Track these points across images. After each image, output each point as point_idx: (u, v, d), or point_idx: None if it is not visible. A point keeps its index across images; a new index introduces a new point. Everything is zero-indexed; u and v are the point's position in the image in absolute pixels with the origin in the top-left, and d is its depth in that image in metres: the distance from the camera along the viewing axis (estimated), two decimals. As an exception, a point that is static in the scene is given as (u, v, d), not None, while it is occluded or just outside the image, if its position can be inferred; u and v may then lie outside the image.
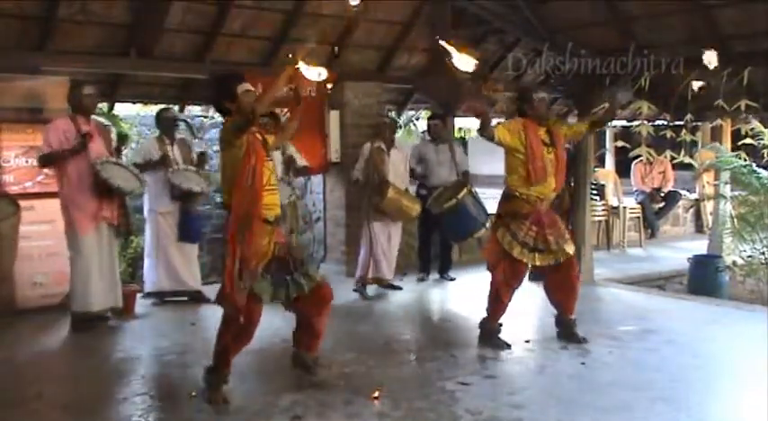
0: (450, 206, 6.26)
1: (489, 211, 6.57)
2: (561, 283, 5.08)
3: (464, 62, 4.38)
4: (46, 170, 5.71)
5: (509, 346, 4.99)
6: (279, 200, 4.10)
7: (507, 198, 5.04)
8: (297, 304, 4.05)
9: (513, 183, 4.98)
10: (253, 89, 4.05)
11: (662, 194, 10.57)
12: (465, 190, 6.33)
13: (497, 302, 5.05)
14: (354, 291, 6.79)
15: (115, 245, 5.72)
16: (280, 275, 3.94)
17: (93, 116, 5.63)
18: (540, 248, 4.91)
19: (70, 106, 5.49)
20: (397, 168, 6.87)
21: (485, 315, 5.13)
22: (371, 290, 6.85)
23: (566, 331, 5.13)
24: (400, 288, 7.01)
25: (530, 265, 5.03)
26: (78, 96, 5.46)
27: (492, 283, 5.08)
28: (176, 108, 7.32)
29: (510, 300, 5.06)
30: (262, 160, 3.87)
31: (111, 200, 5.49)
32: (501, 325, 5.11)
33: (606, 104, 5.25)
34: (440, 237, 7.41)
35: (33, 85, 5.91)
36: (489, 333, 5.07)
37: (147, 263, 6.43)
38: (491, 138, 4.82)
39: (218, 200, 8.98)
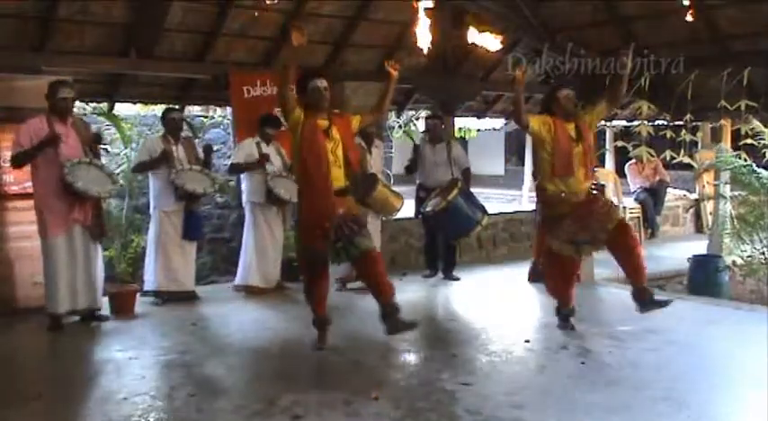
0: (442, 208, 6.27)
1: (486, 209, 6.66)
2: (622, 252, 5.09)
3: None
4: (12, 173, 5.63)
5: (573, 328, 5.32)
6: (342, 175, 4.69)
7: (544, 202, 5.27)
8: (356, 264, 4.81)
9: (542, 182, 5.20)
10: (322, 85, 4.60)
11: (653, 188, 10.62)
12: (455, 191, 6.33)
13: (555, 293, 5.40)
14: (337, 290, 6.84)
15: (92, 246, 5.57)
16: (335, 241, 4.61)
17: (74, 113, 5.59)
18: (583, 241, 5.12)
19: (47, 106, 5.41)
20: (377, 164, 7.02)
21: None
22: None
23: (642, 301, 5.07)
24: None
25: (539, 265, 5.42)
26: (53, 98, 5.37)
27: (547, 279, 5.50)
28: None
29: (569, 287, 5.36)
30: (317, 142, 4.54)
31: (84, 202, 5.40)
32: (573, 309, 5.40)
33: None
34: (441, 238, 7.42)
35: (32, 84, 5.90)
36: (560, 317, 5.40)
37: (147, 261, 6.43)
38: (525, 126, 5.13)
39: (220, 200, 9.00)
